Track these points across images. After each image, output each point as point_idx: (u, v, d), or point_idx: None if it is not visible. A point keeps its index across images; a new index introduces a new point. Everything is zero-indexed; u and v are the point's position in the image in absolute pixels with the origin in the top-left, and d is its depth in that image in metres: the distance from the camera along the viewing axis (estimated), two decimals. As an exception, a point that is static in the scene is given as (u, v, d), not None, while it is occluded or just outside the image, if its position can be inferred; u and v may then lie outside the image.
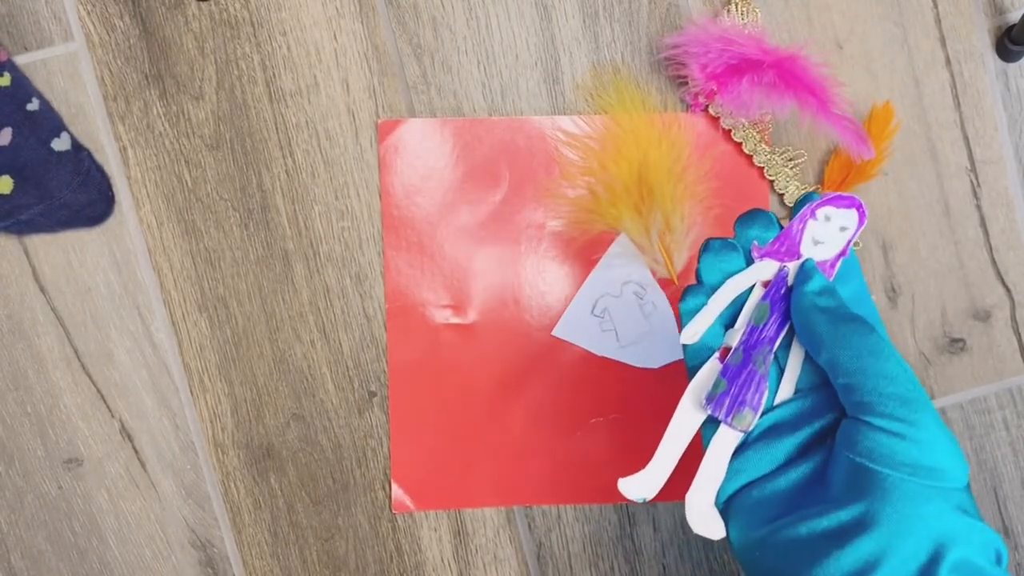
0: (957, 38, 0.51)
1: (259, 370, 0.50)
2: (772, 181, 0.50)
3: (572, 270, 0.50)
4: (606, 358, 0.50)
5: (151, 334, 0.50)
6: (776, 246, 0.34)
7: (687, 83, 0.49)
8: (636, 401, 0.50)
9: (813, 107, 0.47)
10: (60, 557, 0.51)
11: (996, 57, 0.51)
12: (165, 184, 0.50)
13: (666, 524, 0.51)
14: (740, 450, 0.33)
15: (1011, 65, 0.51)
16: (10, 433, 0.50)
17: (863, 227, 0.34)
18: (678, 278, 0.49)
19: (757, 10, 0.50)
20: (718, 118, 0.50)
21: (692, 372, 0.35)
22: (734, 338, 0.34)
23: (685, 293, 0.34)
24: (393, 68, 0.51)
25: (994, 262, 0.51)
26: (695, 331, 0.34)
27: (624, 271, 0.50)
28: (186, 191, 0.50)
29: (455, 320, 0.50)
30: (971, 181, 0.51)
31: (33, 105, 0.49)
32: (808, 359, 0.34)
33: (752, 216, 0.34)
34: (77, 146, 0.50)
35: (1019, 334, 0.51)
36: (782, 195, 0.50)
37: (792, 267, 0.34)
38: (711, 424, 0.34)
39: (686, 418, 0.34)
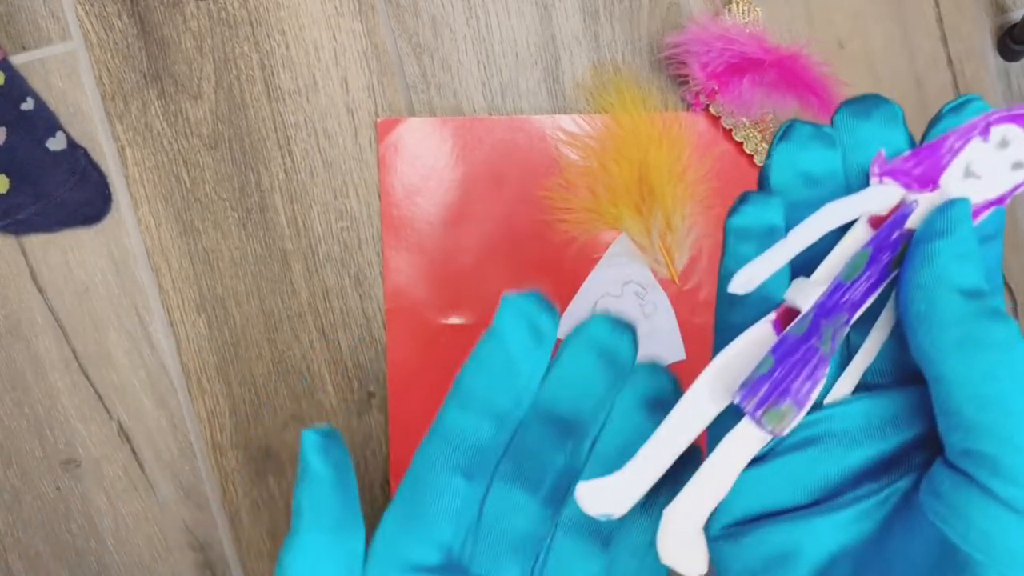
0: (959, 37, 0.51)
1: (258, 371, 0.50)
2: (773, 181, 0.50)
3: (572, 270, 0.50)
4: (606, 359, 0.50)
5: (149, 335, 0.50)
6: (908, 164, 0.22)
7: (688, 82, 0.49)
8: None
9: (814, 107, 0.47)
10: (58, 558, 0.51)
11: (998, 56, 0.51)
12: (163, 184, 0.50)
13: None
14: (760, 461, 0.22)
15: (1013, 64, 0.51)
16: (8, 434, 0.50)
17: None
18: (679, 278, 0.49)
19: (758, 9, 0.50)
20: (719, 117, 0.50)
21: (722, 342, 0.23)
22: (808, 296, 0.22)
23: (741, 202, 0.22)
24: (392, 67, 0.50)
25: (996, 262, 0.51)
26: (755, 275, 0.21)
27: (624, 271, 0.50)
28: (184, 191, 0.50)
29: (454, 320, 0.50)
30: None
31: (28, 105, 0.49)
32: (892, 342, 0.22)
33: (869, 103, 0.22)
34: (73, 145, 0.50)
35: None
36: (783, 195, 0.50)
37: (924, 203, 0.22)
38: (726, 420, 0.22)
39: (692, 411, 0.22)
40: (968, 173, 0.22)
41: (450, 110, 0.50)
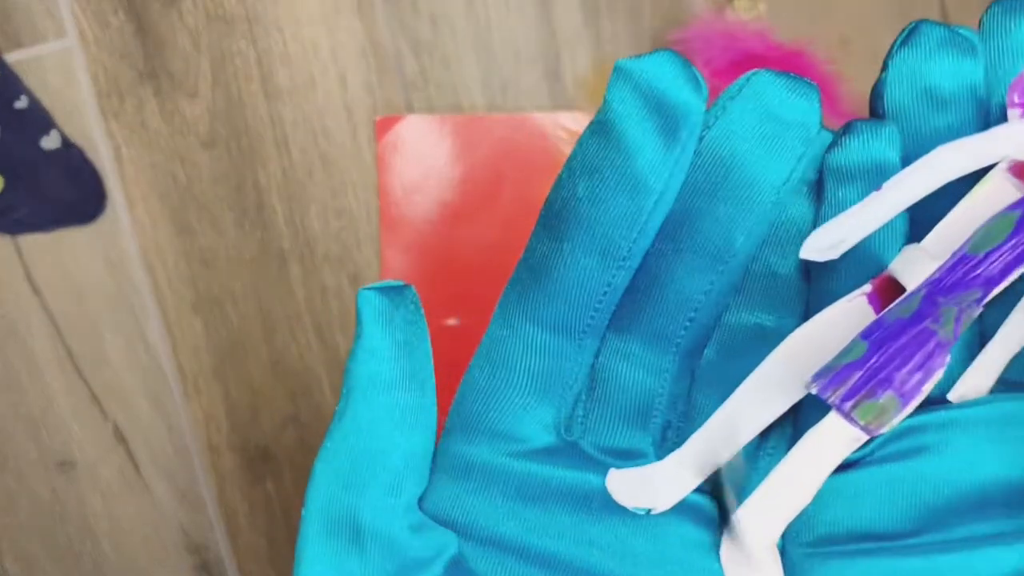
0: (965, 34, 0.51)
1: (255, 372, 0.50)
2: (777, 180, 0.50)
3: (573, 270, 0.50)
4: (608, 360, 0.50)
5: (145, 335, 0.50)
6: None
7: (690, 80, 0.49)
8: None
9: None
10: (54, 561, 0.51)
11: (1005, 53, 0.51)
12: (159, 183, 0.50)
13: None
14: (852, 467, 0.17)
15: (1020, 62, 0.51)
16: (2, 436, 0.50)
17: None
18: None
19: (761, 5, 0.50)
20: (722, 115, 0.50)
21: (813, 312, 0.18)
22: (917, 271, 0.17)
23: (843, 132, 0.17)
24: (391, 65, 0.50)
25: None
26: (837, 239, 0.17)
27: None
28: (180, 190, 0.50)
29: (454, 321, 0.50)
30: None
31: (21, 103, 0.49)
32: None
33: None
34: (67, 144, 0.49)
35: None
36: (787, 194, 0.50)
37: None
38: (813, 411, 0.17)
39: (756, 397, 0.17)
40: None
41: (449, 108, 0.50)
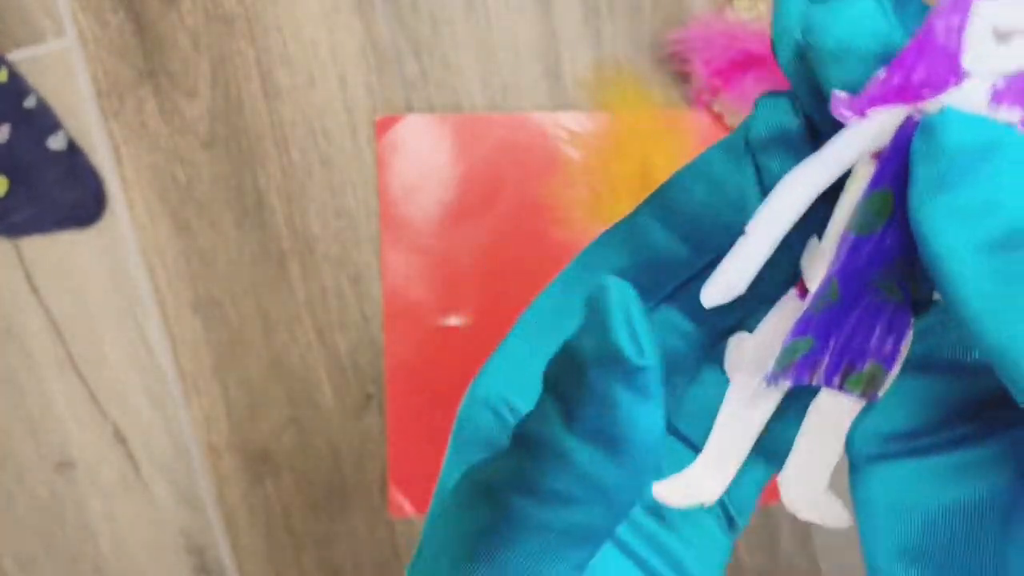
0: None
1: (254, 372, 0.50)
2: (777, 179, 0.50)
3: (573, 270, 0.50)
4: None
5: (145, 336, 0.50)
6: (896, 77, 0.16)
7: (691, 79, 0.49)
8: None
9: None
10: (53, 561, 0.50)
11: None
12: (159, 183, 0.50)
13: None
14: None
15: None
16: (2, 436, 0.50)
17: None
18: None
19: (762, 5, 0.50)
20: (722, 115, 0.49)
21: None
22: (814, 267, 0.18)
23: (756, 104, 0.18)
24: (391, 64, 0.50)
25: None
26: (731, 283, 0.18)
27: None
28: (180, 190, 0.50)
29: (454, 321, 0.50)
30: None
31: (30, 102, 0.49)
32: None
33: None
34: (72, 146, 0.49)
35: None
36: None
37: (951, 102, 0.16)
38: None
39: (740, 415, 0.19)
40: (1002, 36, 0.15)
41: (449, 108, 0.50)
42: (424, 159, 0.50)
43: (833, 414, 0.19)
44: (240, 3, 0.50)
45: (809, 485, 0.19)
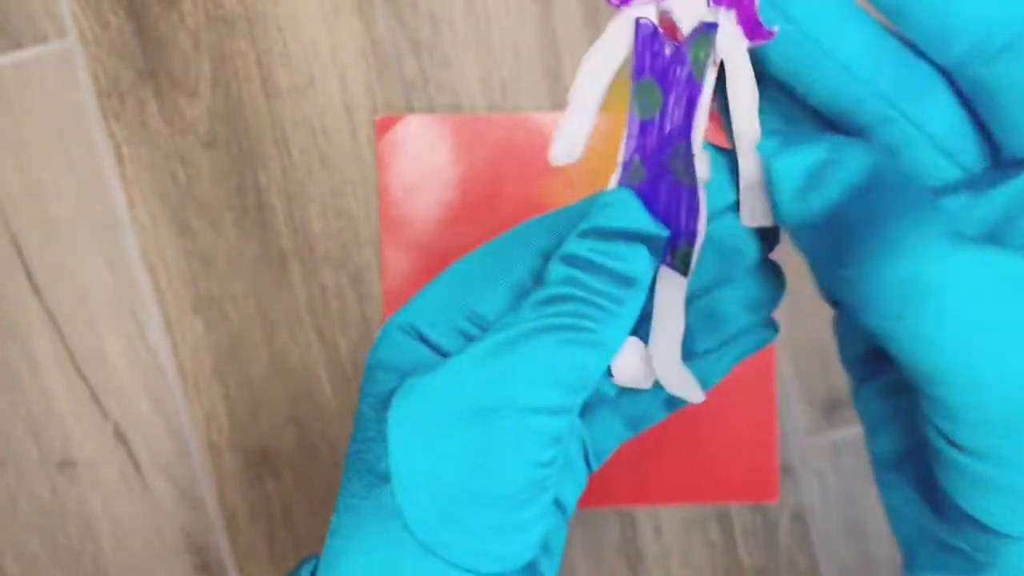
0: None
1: (255, 372, 0.50)
2: (777, 179, 0.50)
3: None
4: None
5: (145, 335, 0.50)
6: None
7: (690, 80, 0.49)
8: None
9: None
10: (54, 561, 0.50)
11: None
12: (159, 183, 0.50)
13: (669, 529, 0.50)
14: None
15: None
16: (2, 436, 0.50)
17: None
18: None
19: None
20: (720, 115, 0.49)
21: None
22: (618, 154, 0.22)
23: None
24: (391, 64, 0.50)
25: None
26: (569, 146, 0.22)
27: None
28: (181, 190, 0.50)
29: (454, 321, 0.50)
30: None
31: None
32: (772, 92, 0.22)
33: None
34: None
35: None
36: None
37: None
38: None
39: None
40: None
41: (449, 108, 0.50)
42: (424, 159, 0.50)
43: (670, 291, 0.22)
44: (241, 3, 0.50)
45: (668, 359, 0.22)
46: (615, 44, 0.21)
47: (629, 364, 0.22)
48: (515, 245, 0.23)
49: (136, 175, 0.50)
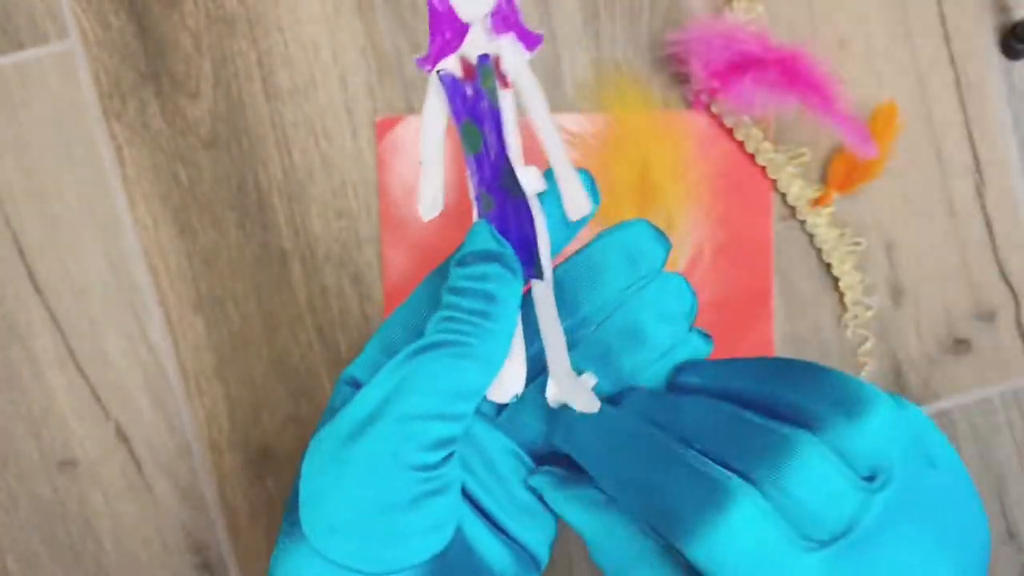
0: (961, 36, 0.51)
1: (256, 371, 0.50)
2: (775, 181, 0.50)
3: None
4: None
5: (147, 335, 0.50)
6: (438, 34, 0.24)
7: (689, 81, 0.49)
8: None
9: (816, 105, 0.47)
10: (55, 560, 0.50)
11: (1000, 55, 0.51)
12: (161, 183, 0.50)
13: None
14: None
15: (1016, 63, 0.51)
16: (4, 435, 0.50)
17: None
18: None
19: (760, 7, 0.50)
20: (720, 116, 0.49)
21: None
22: (471, 182, 0.25)
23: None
24: (391, 65, 0.50)
25: (999, 263, 0.51)
26: (431, 200, 0.26)
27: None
28: (182, 190, 0.50)
29: (454, 321, 0.50)
30: (975, 181, 0.51)
31: None
32: None
33: None
34: None
35: (1024, 335, 0.51)
36: (784, 195, 0.50)
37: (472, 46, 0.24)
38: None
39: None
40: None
41: (450, 109, 0.50)
42: (424, 160, 0.50)
43: (541, 298, 0.25)
44: (242, 4, 0.50)
45: (558, 365, 0.25)
46: (435, 103, 0.24)
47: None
48: (423, 290, 0.28)
49: (137, 175, 0.50)
